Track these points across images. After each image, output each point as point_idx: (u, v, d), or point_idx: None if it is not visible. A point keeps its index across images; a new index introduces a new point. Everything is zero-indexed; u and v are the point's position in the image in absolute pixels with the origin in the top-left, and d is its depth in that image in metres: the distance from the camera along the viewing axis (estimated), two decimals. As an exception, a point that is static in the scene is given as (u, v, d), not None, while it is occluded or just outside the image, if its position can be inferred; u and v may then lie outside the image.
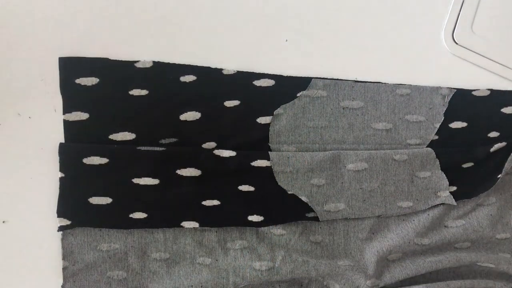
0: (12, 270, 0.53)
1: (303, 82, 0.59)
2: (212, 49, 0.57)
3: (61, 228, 0.53)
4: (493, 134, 0.63)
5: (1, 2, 0.53)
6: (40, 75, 0.53)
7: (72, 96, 0.53)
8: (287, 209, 0.58)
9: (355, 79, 0.61)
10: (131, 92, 0.54)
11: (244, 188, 0.57)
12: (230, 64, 0.57)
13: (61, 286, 0.53)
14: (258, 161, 0.57)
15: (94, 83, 0.53)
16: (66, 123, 0.53)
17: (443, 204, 0.61)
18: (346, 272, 0.58)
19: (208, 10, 0.57)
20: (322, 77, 0.59)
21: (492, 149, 0.61)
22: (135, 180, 0.54)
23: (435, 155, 0.61)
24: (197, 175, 0.55)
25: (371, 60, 0.61)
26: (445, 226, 0.62)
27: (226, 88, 0.57)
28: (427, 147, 0.62)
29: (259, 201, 0.57)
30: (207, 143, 0.57)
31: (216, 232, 0.57)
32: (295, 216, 0.58)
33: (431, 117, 0.62)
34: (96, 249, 0.54)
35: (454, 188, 0.62)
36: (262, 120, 0.58)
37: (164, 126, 0.55)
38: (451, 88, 0.62)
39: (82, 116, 0.53)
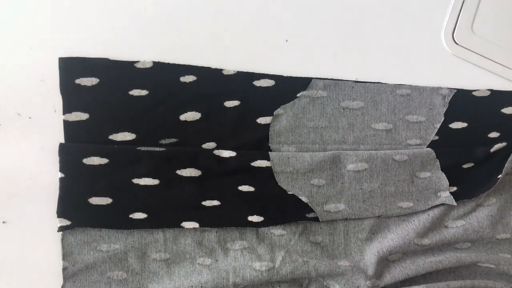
0: (12, 270, 0.53)
1: (303, 82, 0.59)
2: (212, 49, 0.57)
3: (61, 229, 0.53)
4: (493, 135, 0.63)
5: (1, 2, 0.53)
6: (40, 75, 0.53)
7: (72, 96, 0.53)
8: (287, 209, 0.58)
9: (355, 80, 0.60)
10: (131, 92, 0.54)
11: (244, 188, 0.57)
12: (230, 64, 0.57)
13: (61, 286, 0.53)
14: (258, 161, 0.57)
15: (94, 84, 0.53)
16: (66, 123, 0.53)
17: (443, 204, 0.61)
18: (346, 272, 0.58)
19: (208, 10, 0.57)
20: (322, 77, 0.59)
21: (492, 150, 0.61)
22: (135, 180, 0.54)
23: (435, 156, 0.61)
24: (197, 175, 0.55)
25: (371, 60, 0.61)
26: (445, 226, 0.62)
27: (226, 88, 0.57)
28: (427, 147, 0.62)
29: (259, 201, 0.57)
30: (207, 143, 0.56)
31: (216, 232, 0.57)
32: (295, 217, 0.58)
33: (431, 118, 0.62)
34: (96, 249, 0.54)
35: (454, 188, 0.62)
36: (262, 120, 0.58)
37: (164, 126, 0.55)
38: (451, 88, 0.62)
39: (82, 116, 0.53)
